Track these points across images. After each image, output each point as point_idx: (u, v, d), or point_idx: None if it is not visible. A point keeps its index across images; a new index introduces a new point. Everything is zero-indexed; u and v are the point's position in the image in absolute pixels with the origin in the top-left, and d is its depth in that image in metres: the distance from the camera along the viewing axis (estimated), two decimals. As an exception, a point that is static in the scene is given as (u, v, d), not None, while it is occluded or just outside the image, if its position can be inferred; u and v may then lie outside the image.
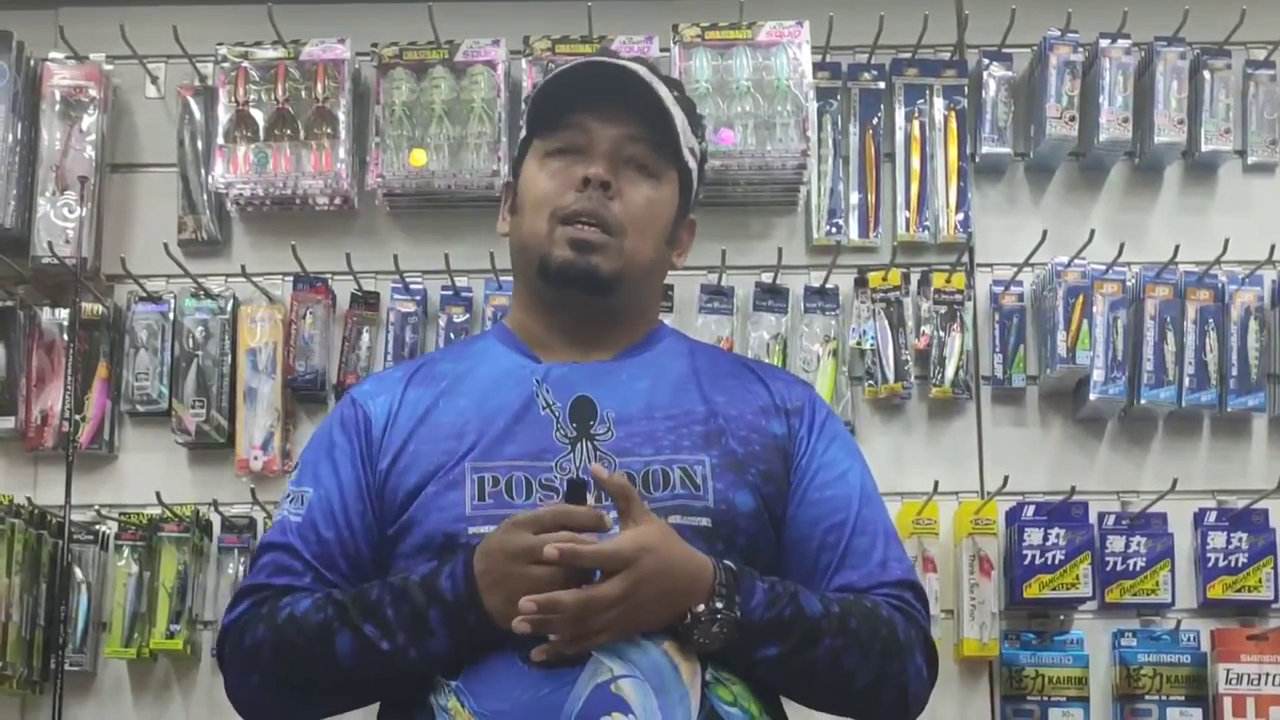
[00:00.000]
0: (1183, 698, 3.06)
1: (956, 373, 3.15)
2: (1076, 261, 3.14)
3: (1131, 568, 3.10)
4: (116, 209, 3.27)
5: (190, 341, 3.17)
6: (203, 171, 3.23)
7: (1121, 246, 3.12)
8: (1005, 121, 3.25)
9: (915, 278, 3.19)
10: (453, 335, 3.15)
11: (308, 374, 3.15)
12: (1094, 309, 3.13)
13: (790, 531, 1.91)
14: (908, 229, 3.23)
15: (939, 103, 3.28)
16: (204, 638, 3.08)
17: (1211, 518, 3.15)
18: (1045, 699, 3.06)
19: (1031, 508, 3.10)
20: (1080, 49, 3.22)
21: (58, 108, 3.22)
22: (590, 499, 1.74)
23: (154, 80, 3.32)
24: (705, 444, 1.88)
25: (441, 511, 1.84)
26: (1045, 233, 3.13)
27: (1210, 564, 3.12)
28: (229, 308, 3.19)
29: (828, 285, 3.19)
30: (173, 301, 3.19)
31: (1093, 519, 3.12)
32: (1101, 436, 3.21)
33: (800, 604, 1.79)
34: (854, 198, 3.25)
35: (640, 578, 1.70)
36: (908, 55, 3.28)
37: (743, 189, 3.22)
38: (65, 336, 3.17)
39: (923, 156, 3.26)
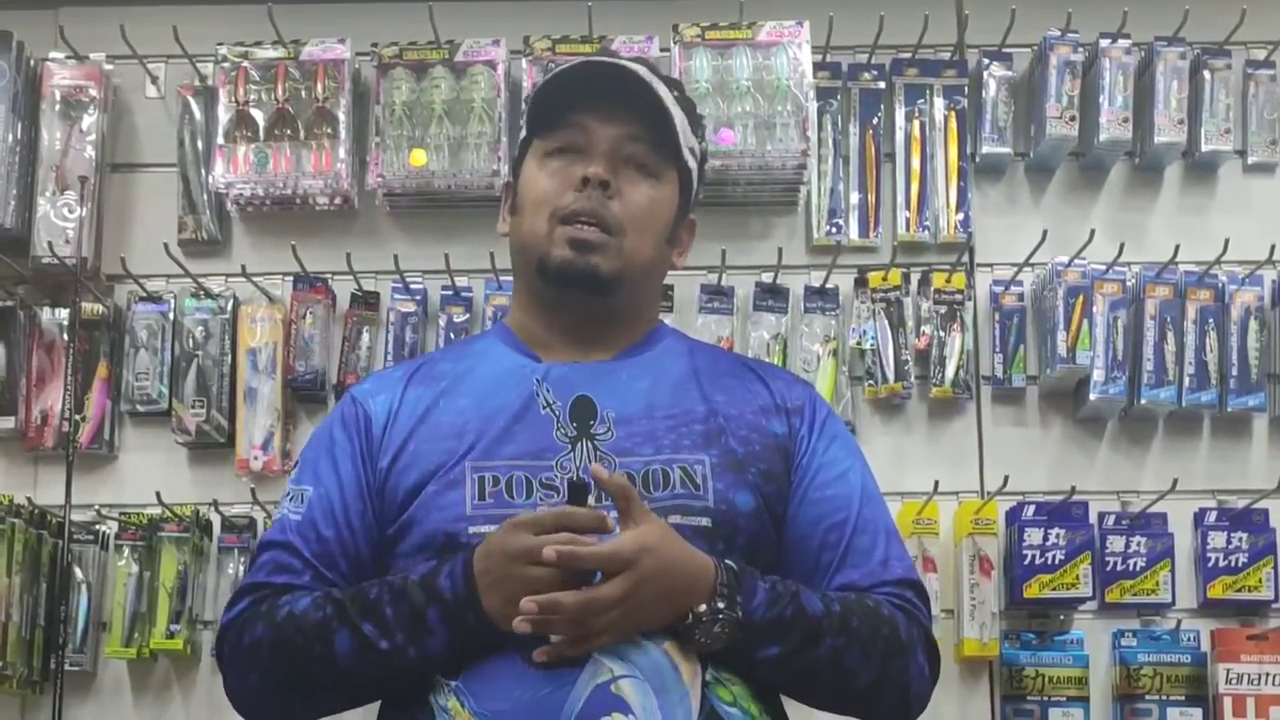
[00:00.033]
0: (1183, 698, 3.06)
1: (957, 373, 3.15)
2: (1077, 261, 3.14)
3: (1131, 568, 3.10)
4: (116, 209, 3.27)
5: (190, 341, 3.17)
6: (203, 171, 3.23)
7: (1121, 246, 3.12)
8: (1005, 121, 3.25)
9: (915, 278, 3.19)
10: (453, 335, 3.15)
11: (308, 374, 3.15)
12: (1094, 309, 3.13)
13: (791, 531, 1.91)
14: (908, 229, 3.23)
15: (939, 103, 3.28)
16: (204, 638, 3.08)
17: (1212, 518, 3.14)
18: (1045, 699, 3.06)
19: (1031, 508, 3.10)
20: (1080, 49, 3.22)
21: (58, 108, 3.22)
22: (591, 500, 1.74)
23: (154, 80, 3.32)
24: (705, 443, 1.88)
25: (442, 511, 1.84)
26: (1045, 233, 3.13)
27: (1210, 564, 3.12)
28: (229, 308, 3.19)
29: (828, 285, 3.18)
30: (173, 301, 3.19)
31: (1093, 519, 3.12)
32: (1101, 436, 3.21)
33: (801, 603, 1.79)
34: (854, 198, 3.25)
35: (641, 578, 1.70)
36: (908, 55, 3.28)
37: (743, 189, 3.22)
38: (65, 336, 3.17)
39: (923, 156, 3.26)
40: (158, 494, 3.06)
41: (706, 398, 1.94)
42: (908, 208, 3.24)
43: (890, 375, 3.14)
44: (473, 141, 3.16)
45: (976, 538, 3.07)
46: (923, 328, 3.17)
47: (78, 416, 3.12)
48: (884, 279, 3.17)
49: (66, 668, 3.00)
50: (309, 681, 1.83)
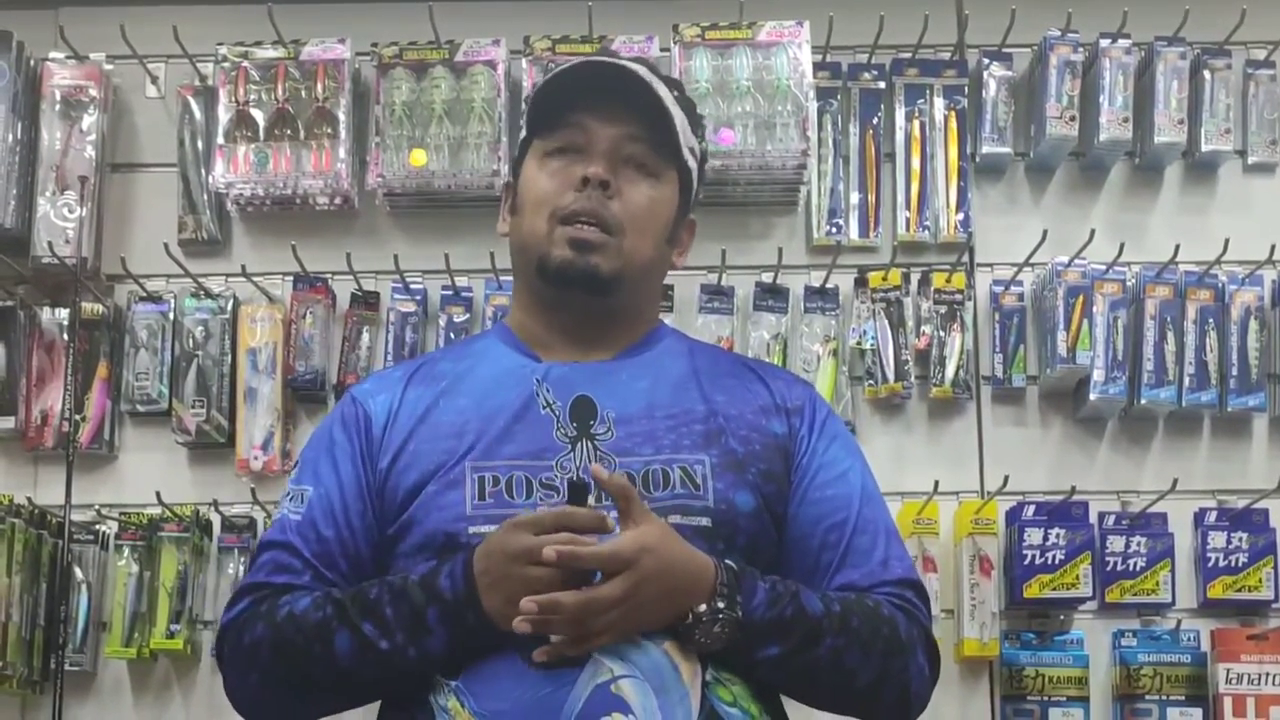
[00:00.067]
0: (1183, 697, 3.06)
1: (957, 372, 3.15)
2: (1077, 261, 3.14)
3: (1131, 568, 3.10)
4: (116, 209, 3.27)
5: (190, 341, 3.18)
6: (203, 171, 3.23)
7: (1122, 246, 3.12)
8: (1005, 121, 3.25)
9: (915, 277, 3.19)
10: (453, 335, 3.15)
11: (308, 374, 3.15)
12: (1094, 309, 3.13)
13: (791, 530, 1.91)
14: (908, 229, 3.23)
15: (939, 102, 3.28)
16: (204, 637, 3.08)
17: (1212, 517, 3.14)
18: (1045, 699, 3.06)
19: (1031, 507, 3.10)
20: (1080, 49, 3.22)
21: (58, 107, 3.22)
22: (591, 500, 1.74)
23: (154, 80, 3.32)
24: (705, 443, 1.88)
25: (442, 511, 1.84)
26: (1045, 232, 3.13)
27: (1210, 564, 3.12)
28: (229, 307, 3.19)
29: (828, 285, 3.18)
30: (173, 301, 3.19)
31: (1093, 519, 3.12)
32: (1102, 436, 3.21)
33: (802, 603, 1.79)
34: (854, 198, 3.25)
35: (641, 578, 1.70)
36: (908, 55, 3.28)
37: (743, 189, 3.22)
38: (65, 336, 3.17)
39: (923, 156, 3.26)
40: (158, 494, 3.06)
41: (706, 398, 1.94)
42: (908, 208, 3.24)
43: (890, 375, 3.14)
44: (473, 141, 3.16)
45: (976, 538, 3.07)
46: (923, 328, 3.17)
47: (78, 416, 3.12)
48: (884, 279, 3.17)
49: (66, 668, 3.00)
50: (309, 681, 1.82)
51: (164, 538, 3.08)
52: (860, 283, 3.19)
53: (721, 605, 1.74)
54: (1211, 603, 3.12)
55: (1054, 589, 3.06)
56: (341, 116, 3.17)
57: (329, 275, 3.20)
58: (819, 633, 1.79)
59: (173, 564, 3.07)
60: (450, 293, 3.18)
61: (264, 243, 3.24)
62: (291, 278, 3.20)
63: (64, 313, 3.18)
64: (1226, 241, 3.13)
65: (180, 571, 3.06)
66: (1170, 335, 3.15)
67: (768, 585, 1.78)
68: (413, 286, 3.19)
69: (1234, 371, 3.16)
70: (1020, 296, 3.21)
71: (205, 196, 3.24)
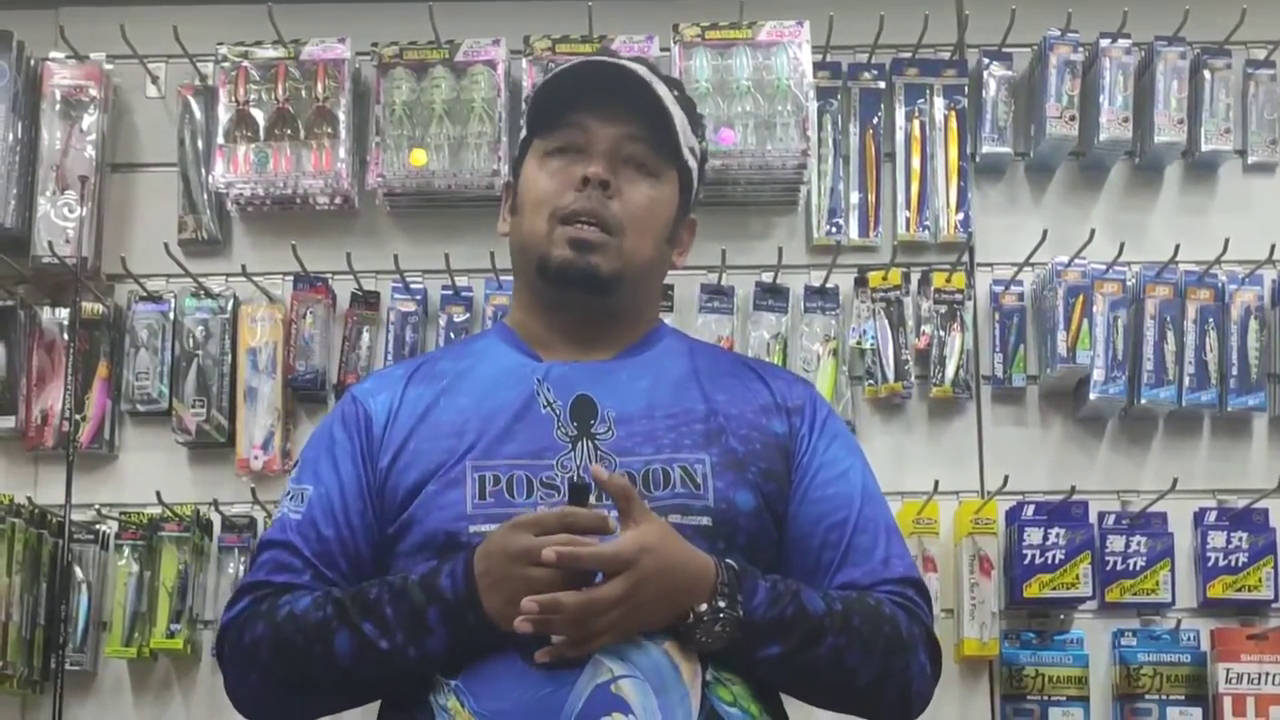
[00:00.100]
0: (1183, 697, 3.06)
1: (957, 372, 3.15)
2: (1077, 261, 3.14)
3: (1131, 567, 3.10)
4: (117, 209, 3.27)
5: (190, 341, 3.18)
6: (203, 171, 3.23)
7: (1121, 246, 3.12)
8: (1005, 121, 3.25)
9: (915, 277, 3.19)
10: (453, 335, 3.15)
11: (308, 373, 3.15)
12: (1094, 308, 3.13)
13: (792, 529, 1.91)
14: (908, 229, 3.23)
15: (939, 102, 3.28)
16: (204, 637, 3.08)
17: (1211, 517, 3.14)
18: (1045, 698, 3.06)
19: (1031, 507, 3.10)
20: (1080, 49, 3.22)
21: (58, 107, 3.22)
22: (592, 500, 1.74)
23: (154, 80, 3.32)
24: (705, 443, 1.89)
25: (442, 510, 1.84)
26: (1045, 232, 3.13)
27: (1210, 563, 3.12)
28: (229, 307, 3.19)
29: (828, 285, 3.18)
30: (173, 301, 3.19)
31: (1093, 518, 3.12)
32: (1101, 436, 3.21)
33: (802, 602, 1.79)
34: (854, 197, 3.25)
35: (641, 578, 1.70)
36: (908, 55, 3.28)
37: (743, 189, 3.22)
38: (65, 336, 3.17)
39: (923, 156, 3.26)
40: (158, 493, 3.06)
41: (707, 397, 1.94)
42: (908, 207, 3.24)
43: (890, 375, 3.14)
44: (473, 141, 3.16)
45: (976, 537, 3.07)
46: (923, 327, 3.17)
47: (78, 416, 3.12)
48: (884, 279, 3.17)
49: (67, 667, 3.00)
50: (309, 681, 1.83)
51: (164, 537, 3.08)
52: (860, 282, 3.19)
53: (722, 604, 1.74)
54: (1211, 602, 3.12)
55: (1054, 589, 3.06)
56: (342, 116, 3.17)
57: (329, 275, 3.21)
58: (820, 632, 1.79)
59: (173, 564, 3.07)
60: (450, 292, 3.18)
61: (264, 242, 3.24)
62: (291, 277, 3.20)
63: (64, 312, 3.17)
64: (1226, 241, 3.13)
65: (180, 571, 3.06)
66: (1170, 335, 3.16)
67: (768, 584, 1.78)
68: (413, 286, 3.19)
69: (1234, 371, 3.16)
70: (1020, 296, 3.21)
71: (205, 196, 3.24)
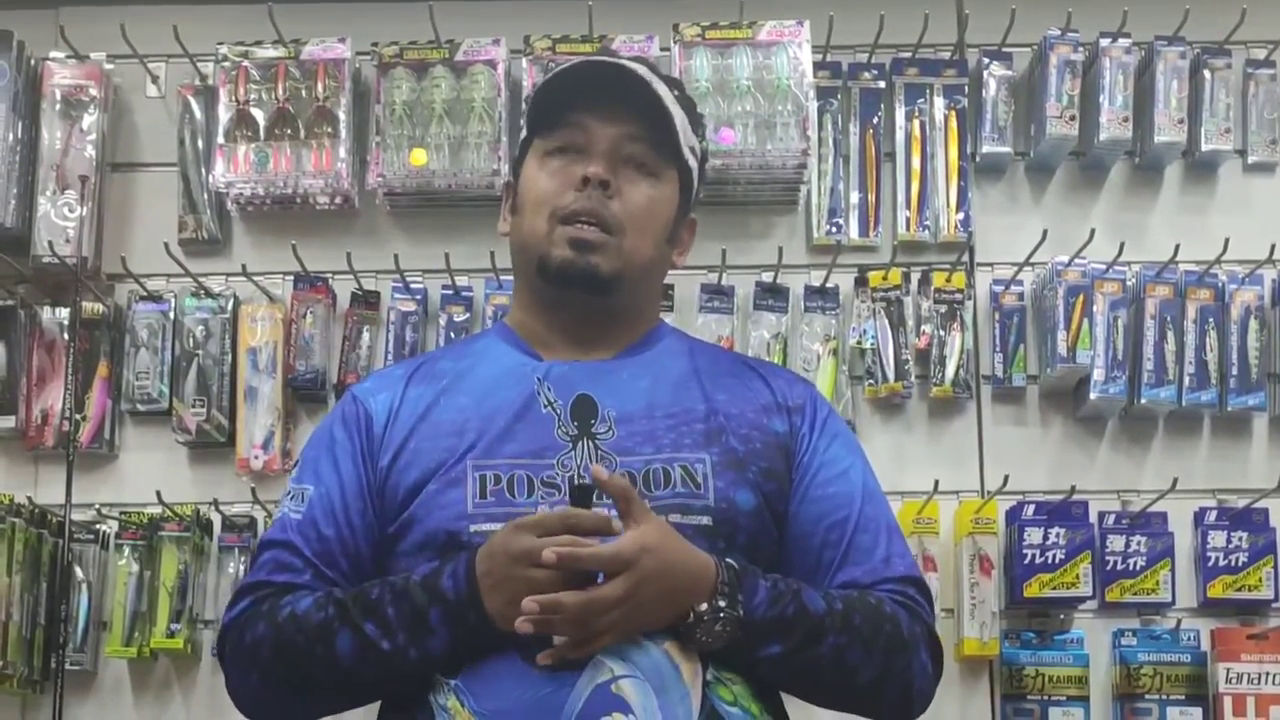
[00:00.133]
0: (1183, 697, 3.06)
1: (957, 372, 3.15)
2: (1077, 261, 3.14)
3: (1131, 567, 3.10)
4: (117, 208, 3.27)
5: (191, 341, 3.18)
6: (203, 171, 3.23)
7: (1122, 246, 3.12)
8: (1005, 121, 3.25)
9: (915, 277, 3.19)
10: (453, 334, 3.15)
11: (308, 373, 3.15)
12: (1094, 308, 3.13)
13: (792, 529, 1.91)
14: (908, 228, 3.23)
15: (939, 102, 3.28)
16: (204, 637, 3.08)
17: (1212, 517, 3.15)
18: (1045, 698, 3.06)
19: (1032, 507, 3.10)
20: (1080, 48, 3.22)
21: (58, 107, 3.22)
22: (595, 500, 1.74)
23: (154, 79, 3.32)
24: (706, 442, 1.88)
25: (443, 509, 1.84)
26: (1045, 232, 3.14)
27: (1210, 563, 3.12)
28: (229, 307, 3.19)
29: (828, 284, 3.19)
30: (173, 301, 3.19)
31: (1093, 518, 3.12)
32: (1102, 436, 3.21)
33: (803, 601, 1.79)
34: (854, 197, 3.25)
35: (642, 578, 1.70)
36: (908, 55, 3.28)
37: (743, 188, 3.22)
38: (66, 336, 3.17)
39: (923, 156, 3.26)
40: (158, 493, 3.06)
41: (707, 396, 1.94)
42: (908, 207, 3.24)
43: (890, 375, 3.14)
44: (473, 141, 3.16)
45: (976, 537, 3.07)
46: (923, 327, 3.17)
47: (78, 416, 3.12)
48: (884, 278, 3.17)
49: (67, 667, 3.00)
50: (310, 681, 1.82)
51: (164, 537, 3.08)
52: (860, 282, 3.19)
53: (722, 604, 1.74)
54: (1211, 602, 3.12)
55: (1054, 588, 3.06)
56: (342, 116, 3.17)
57: (329, 275, 3.21)
58: (821, 631, 1.79)
59: (173, 563, 3.07)
60: (450, 292, 3.18)
61: (264, 242, 3.25)
62: (292, 277, 3.20)
63: (64, 312, 3.18)
64: (1226, 241, 3.13)
65: (180, 571, 3.06)
66: (1170, 335, 3.16)
67: (769, 584, 1.78)
68: (413, 286, 3.19)
69: (1234, 371, 3.16)
70: (1020, 296, 3.21)
71: (205, 196, 3.24)
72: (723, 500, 1.85)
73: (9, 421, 3.15)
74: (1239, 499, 3.16)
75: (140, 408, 3.16)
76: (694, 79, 3.13)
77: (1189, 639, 3.09)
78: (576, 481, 1.77)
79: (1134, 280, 3.19)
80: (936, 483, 3.08)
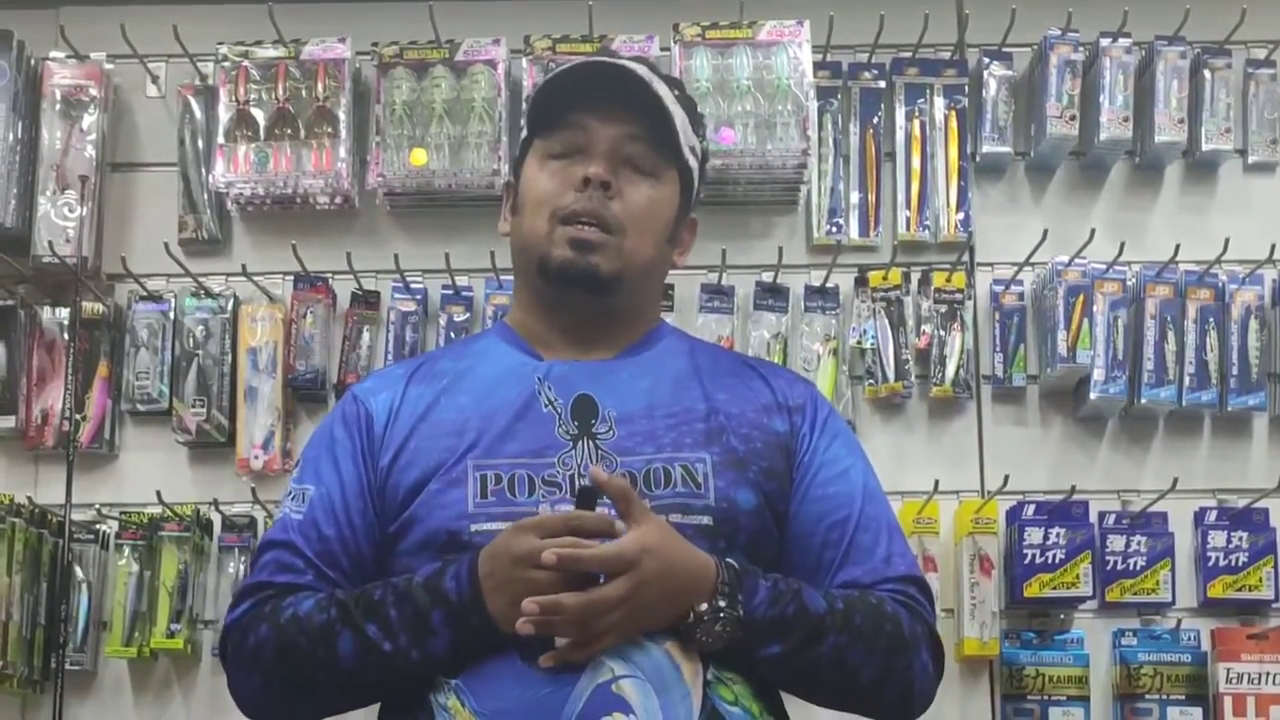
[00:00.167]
0: (1183, 697, 3.06)
1: (957, 372, 3.15)
2: (1077, 261, 3.14)
3: (1132, 567, 3.10)
4: (117, 208, 3.27)
5: (191, 341, 3.18)
6: (203, 171, 3.23)
7: (1122, 246, 3.12)
8: (1006, 121, 3.25)
9: (915, 277, 3.19)
10: (453, 334, 3.15)
11: (308, 373, 3.15)
12: (1094, 308, 3.13)
13: (793, 528, 1.91)
14: (908, 228, 3.23)
15: (939, 102, 3.28)
16: (205, 637, 3.08)
17: (1212, 517, 3.15)
18: (1046, 698, 3.06)
19: (1032, 507, 3.10)
20: (1081, 48, 3.22)
21: (58, 107, 3.22)
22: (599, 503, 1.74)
23: (154, 79, 3.32)
24: (706, 442, 1.88)
25: (444, 509, 1.84)
26: (1046, 232, 3.14)
27: (1210, 563, 3.12)
28: (229, 307, 3.19)
29: (828, 284, 3.19)
30: (173, 301, 3.19)
31: (1093, 518, 3.12)
32: (1102, 436, 3.21)
33: (804, 601, 1.79)
34: (854, 197, 3.25)
35: (642, 579, 1.70)
36: (908, 54, 3.28)
37: (743, 188, 3.22)
38: (66, 336, 3.17)
39: (923, 156, 3.26)
40: (158, 493, 3.06)
41: (708, 396, 1.94)
42: (908, 207, 3.24)
43: (890, 374, 3.14)
44: (473, 141, 3.16)
45: (977, 537, 3.07)
46: (923, 327, 3.17)
47: (78, 416, 3.12)
48: (884, 278, 3.17)
49: (67, 667, 3.00)
50: (312, 682, 1.82)
51: (164, 537, 3.08)
52: (860, 282, 3.19)
53: (723, 604, 1.74)
54: (1211, 602, 3.12)
55: (1054, 588, 3.06)
56: (342, 116, 3.17)
57: (329, 275, 3.21)
58: (821, 630, 1.79)
59: (173, 563, 3.07)
60: (450, 292, 3.18)
61: (264, 242, 3.25)
62: (292, 277, 3.21)
63: (64, 312, 3.18)
64: (1227, 241, 3.13)
65: (181, 571, 3.06)
66: (1170, 335, 3.16)
67: (769, 583, 1.78)
68: (413, 286, 3.19)
69: (1234, 371, 3.16)
70: (1020, 296, 3.21)
71: (205, 196, 3.24)
72: (723, 500, 1.85)
73: (9, 421, 3.15)
74: (1239, 499, 3.16)
75: (140, 408, 3.16)
76: (694, 79, 3.13)
77: (1189, 639, 3.09)
78: (582, 484, 1.76)
79: (1134, 280, 3.19)
80: (937, 483, 3.08)
